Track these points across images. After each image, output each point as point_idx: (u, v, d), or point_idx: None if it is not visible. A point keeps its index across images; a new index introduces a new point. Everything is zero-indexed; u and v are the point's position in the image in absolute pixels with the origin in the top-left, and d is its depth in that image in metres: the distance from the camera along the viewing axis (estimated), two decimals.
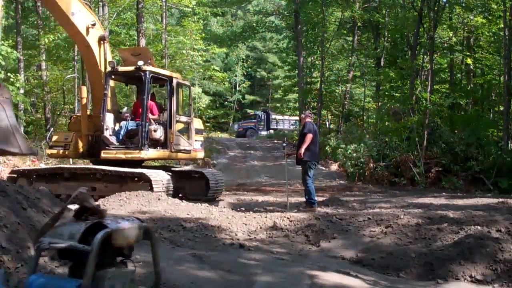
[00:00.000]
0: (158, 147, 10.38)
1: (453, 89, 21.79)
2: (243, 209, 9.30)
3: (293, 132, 29.92)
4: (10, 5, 21.99)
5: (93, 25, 10.14)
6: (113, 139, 10.21)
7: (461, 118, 20.10)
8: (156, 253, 2.37)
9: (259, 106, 48.37)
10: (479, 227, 5.96)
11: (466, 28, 22.00)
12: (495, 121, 21.55)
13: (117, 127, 10.55)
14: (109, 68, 10.35)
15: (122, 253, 2.19)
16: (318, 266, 5.23)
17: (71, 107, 21.31)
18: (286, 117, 38.37)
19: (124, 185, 9.60)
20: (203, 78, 29.44)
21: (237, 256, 5.32)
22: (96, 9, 20.29)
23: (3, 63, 14.36)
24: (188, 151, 11.03)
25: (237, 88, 46.31)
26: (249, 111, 45.20)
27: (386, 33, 26.46)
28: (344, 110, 28.09)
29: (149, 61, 10.41)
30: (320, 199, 10.44)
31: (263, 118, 38.14)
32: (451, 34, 20.96)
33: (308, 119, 9.69)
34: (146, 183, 9.41)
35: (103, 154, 10.11)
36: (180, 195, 10.42)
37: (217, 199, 10.93)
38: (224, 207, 8.96)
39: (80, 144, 10.53)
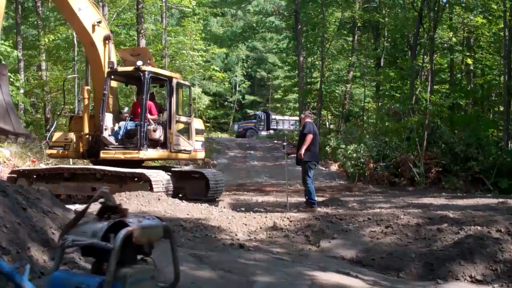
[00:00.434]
0: (158, 147, 10.38)
1: (453, 89, 21.79)
2: (243, 209, 9.29)
3: (293, 132, 29.92)
4: (10, 5, 21.97)
5: (99, 23, 10.18)
6: (111, 139, 10.21)
7: (461, 118, 20.10)
8: (175, 252, 2.42)
9: (259, 106, 48.38)
10: (479, 227, 5.96)
11: (466, 28, 22.02)
12: (495, 121, 21.56)
13: (116, 127, 10.55)
14: (108, 69, 10.36)
15: (142, 251, 2.25)
16: (318, 266, 5.23)
17: (71, 107, 21.32)
18: (286, 117, 38.37)
19: (124, 185, 9.60)
20: (203, 78, 29.45)
21: (237, 256, 5.32)
22: (98, 9, 20.28)
23: (3, 62, 14.37)
24: (188, 151, 11.02)
25: (237, 88, 46.31)
26: (249, 111, 45.18)
27: (386, 33, 26.49)
28: (344, 110, 28.10)
29: (148, 61, 10.42)
30: (320, 199, 10.44)
31: (263, 118, 38.14)
32: (451, 34, 20.97)
33: (308, 120, 9.68)
34: (146, 183, 9.41)
35: (102, 155, 10.12)
36: (180, 195, 10.42)
37: (217, 199, 10.93)
38: (224, 207, 8.95)
39: (80, 144, 10.53)
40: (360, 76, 29.61)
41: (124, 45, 21.32)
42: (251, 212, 8.13)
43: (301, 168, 9.54)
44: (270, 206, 10.04)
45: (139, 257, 2.25)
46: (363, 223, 6.80)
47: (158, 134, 10.31)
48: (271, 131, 36.15)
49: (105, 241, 2.10)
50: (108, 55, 10.47)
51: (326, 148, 20.68)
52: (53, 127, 12.10)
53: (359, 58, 28.60)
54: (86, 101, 10.69)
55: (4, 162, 14.09)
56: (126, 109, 11.98)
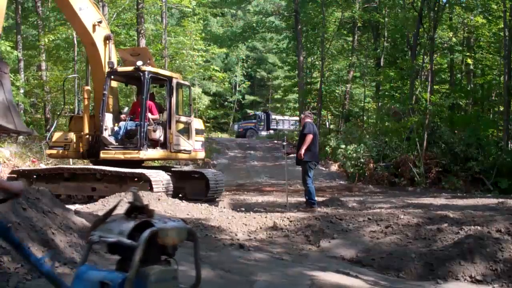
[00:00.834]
0: (158, 147, 10.37)
1: (453, 89, 21.80)
2: (243, 209, 9.29)
3: (293, 132, 29.91)
4: (10, 5, 21.96)
5: (100, 23, 10.19)
6: (111, 140, 10.21)
7: (461, 119, 20.10)
8: (197, 254, 2.48)
9: (259, 107, 48.35)
10: (479, 227, 5.96)
11: (466, 28, 22.02)
12: (495, 121, 21.56)
13: (116, 128, 10.54)
14: (108, 69, 10.36)
15: (166, 251, 2.30)
16: (318, 266, 5.23)
17: (71, 107, 21.32)
18: (286, 117, 38.34)
19: (124, 185, 9.59)
20: (203, 78, 29.45)
21: (237, 256, 5.32)
22: (99, 9, 20.29)
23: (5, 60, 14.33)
24: (188, 151, 11.02)
25: (237, 89, 46.29)
26: (249, 111, 45.15)
27: (386, 33, 26.47)
28: (344, 110, 28.09)
29: (148, 61, 10.41)
30: (320, 199, 10.44)
31: (263, 118, 38.12)
32: (451, 34, 20.96)
33: (307, 120, 9.67)
34: (146, 184, 9.40)
35: (102, 155, 10.11)
36: (180, 195, 10.42)
37: (217, 199, 10.93)
38: (224, 207, 8.95)
39: (80, 144, 10.53)
40: (360, 76, 29.60)
41: (124, 45, 21.33)
42: (251, 212, 8.13)
43: (301, 168, 9.54)
44: (270, 206, 10.04)
45: (162, 257, 2.31)
46: (363, 223, 6.80)
47: (158, 134, 10.30)
48: (271, 131, 36.13)
49: (131, 239, 2.15)
50: (108, 55, 10.47)
51: (326, 148, 20.68)
52: (53, 127, 12.10)
53: (359, 58, 28.59)
54: (86, 101, 10.69)
55: (4, 162, 14.10)
56: (126, 109, 11.98)
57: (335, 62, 29.75)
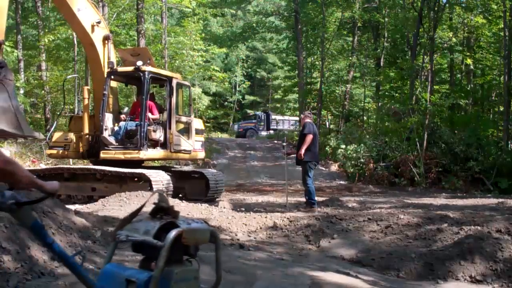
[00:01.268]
0: (158, 147, 10.38)
1: (453, 90, 21.80)
2: (243, 209, 9.29)
3: (293, 132, 29.91)
4: (10, 5, 21.95)
5: (98, 23, 10.19)
6: (111, 140, 10.21)
7: (461, 119, 20.11)
8: (219, 256, 2.54)
9: (259, 107, 48.34)
10: (479, 227, 5.96)
11: (466, 28, 22.01)
12: (495, 121, 21.56)
13: (116, 128, 10.55)
14: (108, 69, 10.36)
15: (188, 252, 2.37)
16: (318, 266, 5.23)
17: (71, 107, 21.31)
18: (286, 117, 38.34)
19: (124, 185, 9.60)
20: (203, 78, 29.44)
21: (237, 256, 5.32)
22: (98, 9, 20.28)
23: (6, 62, 14.33)
24: (188, 151, 11.02)
25: (237, 89, 46.28)
26: (249, 111, 45.15)
27: (386, 33, 26.46)
28: (344, 110, 28.09)
29: (148, 61, 10.41)
30: (320, 199, 10.44)
31: (263, 118, 38.12)
32: (451, 35, 20.96)
33: (307, 120, 9.67)
34: (146, 183, 9.41)
35: (102, 155, 10.12)
36: (180, 195, 10.42)
37: (217, 199, 10.93)
38: (224, 208, 8.95)
39: (80, 144, 10.53)
40: (360, 76, 29.60)
41: (124, 45, 21.33)
42: (251, 212, 8.13)
43: (301, 168, 9.54)
44: (270, 206, 10.04)
45: (185, 257, 2.38)
46: (363, 223, 6.80)
47: (158, 134, 10.31)
48: (271, 131, 36.13)
49: (156, 239, 2.22)
50: (107, 55, 10.47)
51: (326, 148, 20.68)
52: (53, 127, 12.10)
53: (359, 58, 28.58)
54: (86, 101, 10.69)
55: None
56: (126, 109, 11.98)
57: (335, 62, 29.74)
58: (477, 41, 23.17)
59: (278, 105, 44.89)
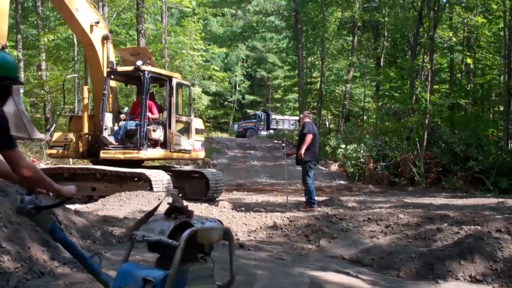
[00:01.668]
0: (158, 147, 10.37)
1: (453, 89, 21.79)
2: (243, 209, 9.29)
3: (293, 132, 29.91)
4: (10, 5, 21.96)
5: (97, 23, 10.18)
6: (111, 139, 10.21)
7: (461, 118, 20.10)
8: (232, 253, 2.64)
9: (259, 106, 48.33)
10: (479, 227, 5.96)
11: (466, 28, 22.01)
12: (495, 121, 21.56)
13: (116, 127, 10.55)
14: (108, 68, 10.35)
15: (203, 250, 2.44)
16: (318, 266, 5.24)
17: (71, 107, 21.32)
18: (286, 117, 38.34)
19: (124, 185, 9.60)
20: (203, 78, 29.43)
21: (237, 256, 5.31)
22: (96, 9, 20.28)
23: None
24: (188, 151, 11.02)
25: (237, 88, 46.27)
26: (249, 111, 45.13)
27: (386, 33, 26.46)
28: (344, 110, 28.09)
29: (148, 61, 10.41)
30: (320, 199, 10.44)
31: (263, 118, 38.12)
32: (451, 34, 20.96)
33: (306, 120, 9.67)
34: (146, 183, 9.41)
35: (102, 154, 10.12)
36: (180, 195, 10.40)
37: (217, 199, 10.93)
38: (224, 207, 8.95)
39: (80, 144, 10.53)
40: (360, 76, 29.59)
41: (124, 45, 21.32)
42: (251, 212, 8.13)
43: (301, 168, 9.54)
44: (270, 206, 10.04)
45: (200, 256, 2.44)
46: (363, 222, 6.80)
47: (158, 134, 10.31)
48: (271, 131, 36.13)
49: (171, 239, 2.28)
50: (106, 55, 10.46)
51: (326, 148, 20.67)
52: (53, 127, 12.10)
53: (359, 58, 28.58)
54: (86, 101, 10.69)
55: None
56: (125, 109, 11.98)
57: (335, 62, 29.75)
58: (477, 40, 23.16)
59: (278, 104, 44.89)
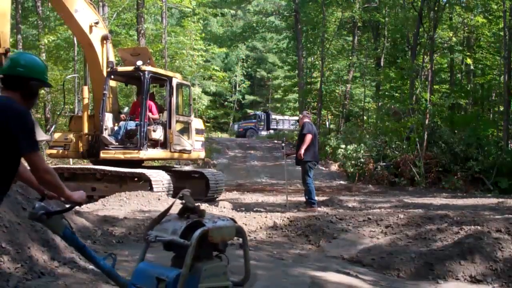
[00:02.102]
0: (158, 147, 10.37)
1: (453, 89, 21.79)
2: (243, 209, 9.29)
3: (293, 132, 29.91)
4: (10, 5, 21.95)
5: (96, 23, 10.17)
6: (111, 139, 10.21)
7: (461, 118, 20.09)
8: (246, 250, 2.67)
9: (259, 106, 48.31)
10: (479, 227, 5.96)
11: (466, 28, 22.02)
12: (495, 121, 21.56)
13: (116, 127, 10.54)
14: (108, 69, 10.35)
15: (217, 248, 2.48)
16: (318, 266, 5.24)
17: (71, 107, 21.31)
18: (286, 117, 38.33)
19: (124, 185, 9.60)
20: (203, 78, 29.43)
21: (237, 256, 5.32)
22: (96, 10, 20.28)
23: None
24: (188, 151, 11.02)
25: (237, 88, 46.26)
26: (249, 111, 45.12)
27: (386, 33, 26.46)
28: (344, 110, 28.08)
29: (148, 61, 10.41)
30: (320, 199, 10.44)
31: (263, 118, 38.11)
32: (451, 34, 20.96)
33: (306, 120, 9.66)
34: (146, 183, 9.41)
35: (102, 154, 10.11)
36: (180, 195, 10.39)
37: (217, 199, 10.93)
38: (224, 207, 8.96)
39: (80, 144, 10.53)
40: (360, 76, 29.59)
41: (124, 45, 21.31)
42: (251, 212, 8.13)
43: (301, 168, 9.53)
44: (270, 206, 10.04)
45: (214, 254, 2.48)
46: (363, 223, 6.80)
47: (158, 134, 10.30)
48: (271, 131, 36.13)
49: (183, 238, 2.33)
50: (106, 55, 10.46)
51: (326, 148, 20.66)
52: (53, 127, 12.09)
53: (359, 58, 28.58)
54: (86, 101, 10.68)
55: None
56: (126, 109, 11.97)
57: (335, 62, 29.75)
58: (477, 41, 23.16)
59: (278, 105, 44.86)
